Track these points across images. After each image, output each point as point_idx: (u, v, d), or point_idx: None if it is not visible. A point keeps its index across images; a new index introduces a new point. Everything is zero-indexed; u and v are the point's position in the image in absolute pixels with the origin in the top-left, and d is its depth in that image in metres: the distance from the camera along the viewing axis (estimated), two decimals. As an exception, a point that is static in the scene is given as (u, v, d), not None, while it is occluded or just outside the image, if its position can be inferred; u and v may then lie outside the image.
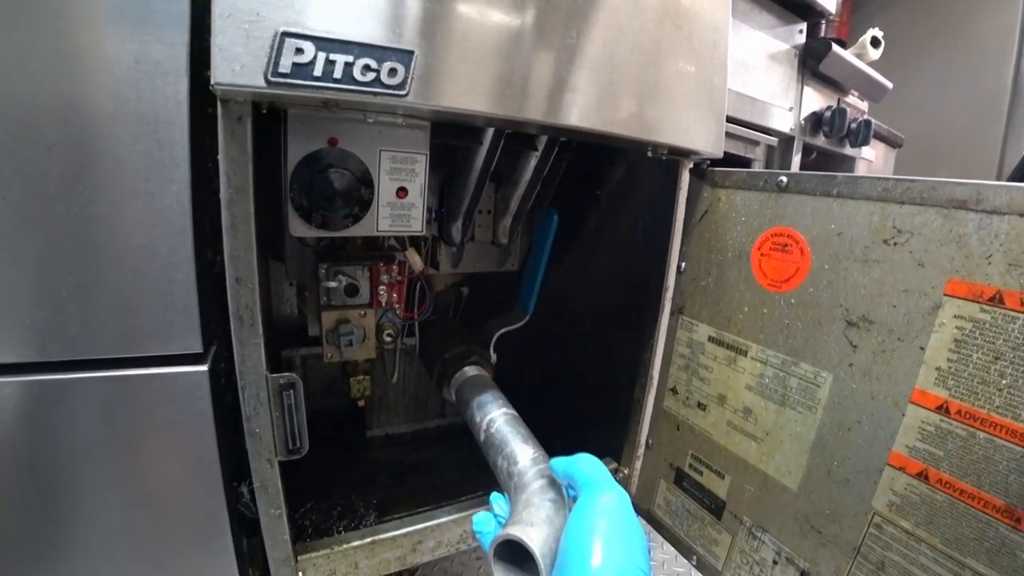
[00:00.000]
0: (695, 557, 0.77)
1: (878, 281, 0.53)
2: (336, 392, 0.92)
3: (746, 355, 0.67)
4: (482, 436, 0.63)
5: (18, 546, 0.52)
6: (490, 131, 0.69)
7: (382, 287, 0.71)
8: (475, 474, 0.70)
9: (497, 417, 0.63)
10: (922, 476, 0.51)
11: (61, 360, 0.48)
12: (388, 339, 0.74)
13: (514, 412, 0.65)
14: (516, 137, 0.72)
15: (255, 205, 0.45)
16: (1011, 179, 1.51)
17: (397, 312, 0.74)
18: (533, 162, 0.78)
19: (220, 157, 0.43)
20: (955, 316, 0.48)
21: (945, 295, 0.48)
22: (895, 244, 0.52)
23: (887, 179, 0.52)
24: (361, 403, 0.83)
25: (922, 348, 0.50)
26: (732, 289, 0.68)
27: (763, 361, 0.65)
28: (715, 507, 0.73)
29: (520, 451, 0.58)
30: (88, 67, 0.43)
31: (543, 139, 0.75)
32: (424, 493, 0.79)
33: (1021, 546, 0.44)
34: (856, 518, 0.56)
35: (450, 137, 0.67)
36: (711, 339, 0.71)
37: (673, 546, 0.81)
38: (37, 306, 0.46)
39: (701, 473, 0.75)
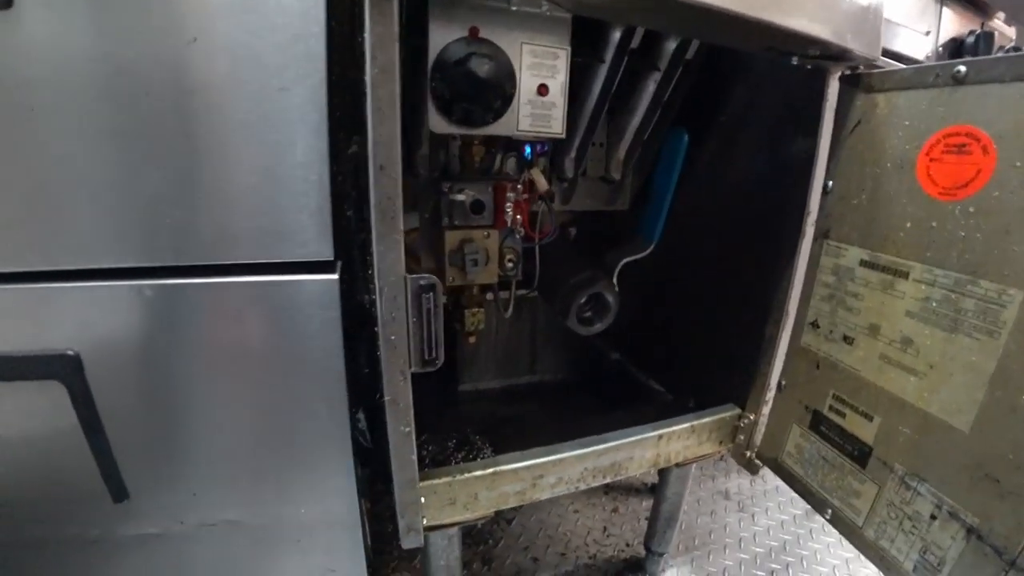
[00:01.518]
0: (830, 511, 0.71)
1: (1091, 173, 0.46)
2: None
3: (907, 277, 0.60)
4: None
5: (150, 456, 0.54)
6: (613, 44, 0.65)
7: (508, 205, 0.69)
8: (565, 429, 0.68)
9: None
10: None
11: (197, 264, 0.48)
12: (510, 264, 0.72)
13: None
14: (639, 55, 0.68)
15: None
16: None
17: (520, 234, 0.72)
18: (653, 86, 0.73)
19: (366, 35, 0.41)
20: None
21: None
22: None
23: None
24: (472, 339, 0.82)
25: None
26: (891, 204, 0.61)
27: (929, 283, 0.58)
28: (859, 453, 0.67)
29: None
30: None
31: (666, 57, 0.70)
32: (519, 442, 0.77)
33: None
34: (1046, 462, 0.49)
35: (574, 51, 0.64)
36: (863, 263, 0.64)
37: (804, 499, 0.75)
38: (175, 208, 0.46)
39: (844, 415, 0.68)
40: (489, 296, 0.81)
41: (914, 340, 0.60)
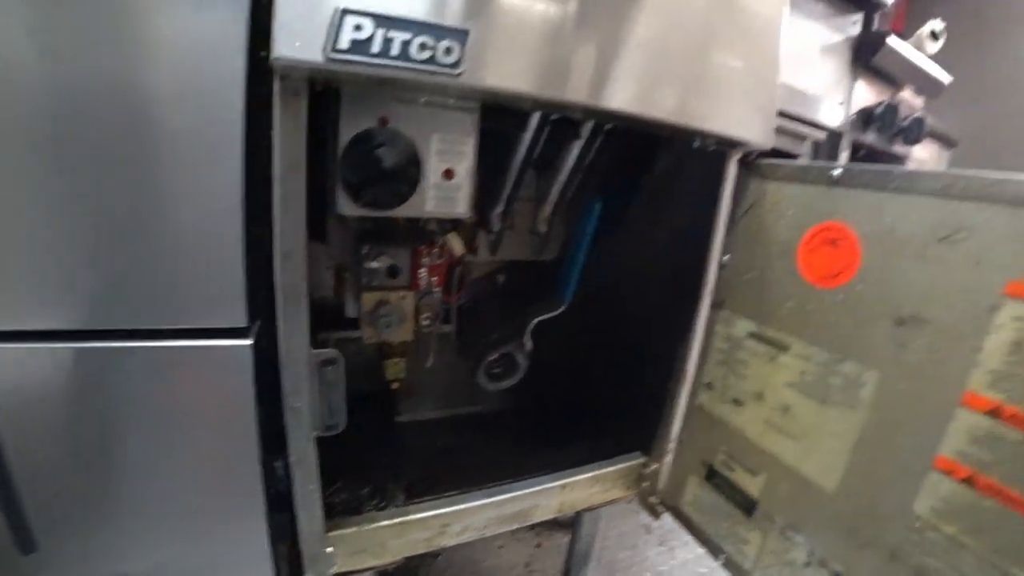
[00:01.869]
0: (723, 556, 0.77)
1: (932, 279, 0.52)
2: (368, 376, 0.93)
3: (787, 351, 0.66)
4: None
5: (62, 509, 0.54)
6: (535, 117, 0.68)
7: (423, 269, 0.72)
8: (504, 463, 0.71)
9: None
10: (969, 481, 0.49)
11: (111, 328, 0.49)
12: (426, 322, 0.75)
13: None
14: (560, 124, 0.71)
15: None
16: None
17: (436, 295, 0.75)
18: (576, 150, 0.77)
19: (275, 132, 0.43)
20: (1015, 317, 0.46)
21: (1005, 295, 0.46)
22: (953, 241, 0.50)
23: (948, 174, 0.50)
24: (395, 385, 0.84)
25: (976, 349, 0.48)
26: (776, 284, 0.67)
27: (806, 358, 0.64)
28: (747, 506, 0.72)
29: None
30: (149, 41, 0.44)
31: (587, 126, 0.74)
32: (452, 478, 0.80)
33: (1076, 558, 0.43)
34: (897, 521, 0.55)
35: (495, 123, 0.67)
36: (751, 335, 0.70)
37: (701, 544, 0.80)
38: (90, 274, 0.47)
39: (734, 470, 0.74)
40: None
41: (792, 408, 0.66)
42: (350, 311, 0.79)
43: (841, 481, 0.61)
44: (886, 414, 0.56)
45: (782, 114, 0.95)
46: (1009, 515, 0.47)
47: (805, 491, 0.64)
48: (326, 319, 0.89)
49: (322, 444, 0.57)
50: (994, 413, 0.47)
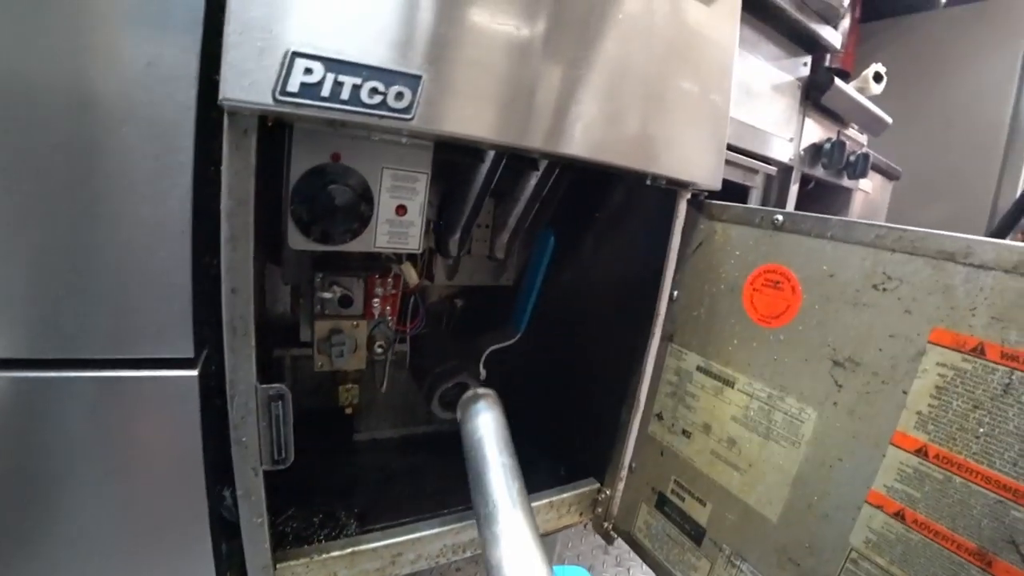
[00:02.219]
0: (674, 582, 0.78)
1: (866, 324, 0.54)
2: (325, 394, 0.92)
3: (733, 386, 0.68)
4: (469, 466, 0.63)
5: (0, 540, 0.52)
6: (492, 152, 0.69)
7: (376, 299, 0.72)
8: (461, 484, 0.70)
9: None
10: (899, 516, 0.51)
11: (53, 358, 0.48)
12: (379, 350, 0.74)
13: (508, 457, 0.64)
14: (518, 156, 0.73)
15: (257, 211, 0.45)
16: (998, 228, 1.53)
17: (390, 324, 0.74)
18: (533, 181, 0.78)
19: (224, 169, 0.43)
20: (938, 363, 0.49)
21: (930, 342, 0.49)
22: (884, 290, 0.53)
23: (880, 226, 0.53)
24: (349, 411, 0.83)
25: (905, 392, 0.51)
26: (723, 321, 0.69)
27: (749, 394, 0.66)
28: (695, 533, 0.74)
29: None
30: (101, 66, 0.43)
31: (544, 161, 0.75)
32: (409, 501, 0.79)
33: (991, 594, 0.45)
34: (834, 552, 0.57)
35: (453, 154, 0.68)
36: (699, 368, 0.72)
37: (652, 570, 0.82)
38: (32, 302, 0.46)
39: (683, 499, 0.75)
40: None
41: (737, 441, 0.68)
42: (304, 335, 0.78)
43: (783, 512, 0.63)
44: (824, 450, 0.58)
45: (736, 149, 0.99)
46: (934, 547, 0.49)
47: (750, 521, 0.66)
48: (283, 335, 0.87)
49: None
50: (920, 452, 0.50)
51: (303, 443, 0.93)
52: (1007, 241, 0.44)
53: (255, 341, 0.49)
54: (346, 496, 0.81)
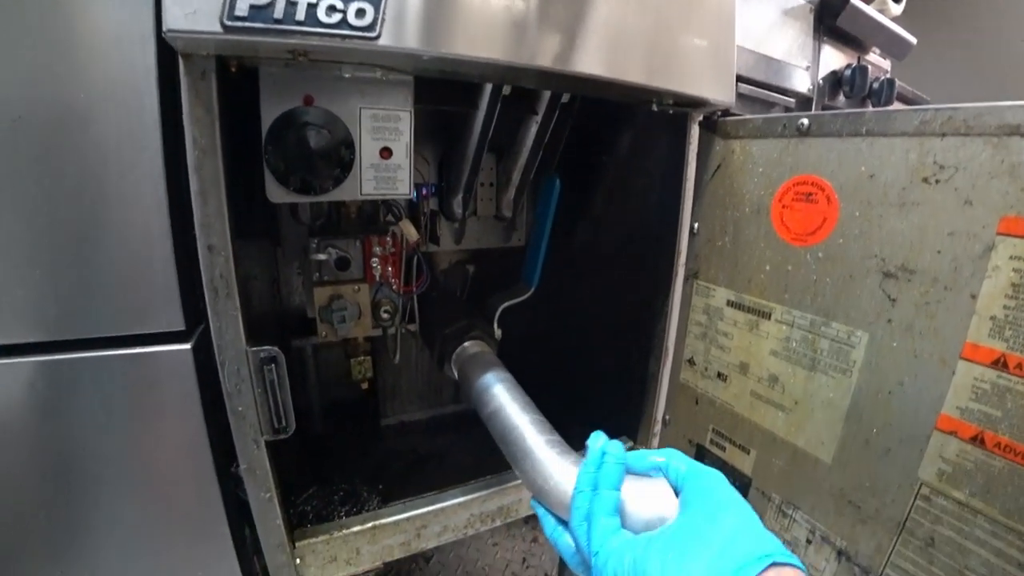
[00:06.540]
0: (721, 540, 0.73)
1: (918, 226, 0.48)
2: (348, 384, 0.90)
3: (769, 318, 0.62)
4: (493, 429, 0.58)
5: (15, 536, 0.51)
6: (486, 93, 0.64)
7: (375, 259, 0.67)
8: (489, 460, 0.67)
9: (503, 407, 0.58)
10: (977, 440, 0.45)
11: (39, 341, 0.46)
12: (385, 315, 0.70)
13: (519, 400, 0.59)
14: (515, 101, 0.67)
15: (231, 170, 0.42)
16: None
17: (393, 287, 0.70)
18: (534, 128, 0.73)
19: (185, 118, 0.40)
20: (1011, 257, 0.42)
21: (998, 234, 0.43)
22: (937, 182, 0.46)
23: (924, 109, 0.47)
24: (364, 386, 0.80)
25: (973, 296, 0.45)
26: (751, 247, 0.63)
27: (789, 323, 0.60)
28: (740, 485, 0.68)
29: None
30: (53, 35, 0.41)
31: (543, 102, 0.70)
32: (437, 481, 0.76)
33: (1097, 513, 0.39)
34: (900, 491, 0.51)
35: (443, 101, 0.63)
36: (730, 303, 0.66)
37: (697, 529, 0.76)
38: (14, 287, 0.44)
39: (724, 449, 0.70)
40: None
41: (779, 377, 0.62)
42: (310, 311, 0.74)
43: (837, 452, 0.57)
44: (880, 376, 0.52)
45: (749, 81, 0.92)
46: (1022, 474, 0.43)
47: (800, 465, 0.61)
48: (303, 326, 0.84)
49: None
50: (998, 363, 0.44)
51: (332, 431, 0.91)
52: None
53: (241, 303, 0.45)
54: (375, 479, 0.78)
